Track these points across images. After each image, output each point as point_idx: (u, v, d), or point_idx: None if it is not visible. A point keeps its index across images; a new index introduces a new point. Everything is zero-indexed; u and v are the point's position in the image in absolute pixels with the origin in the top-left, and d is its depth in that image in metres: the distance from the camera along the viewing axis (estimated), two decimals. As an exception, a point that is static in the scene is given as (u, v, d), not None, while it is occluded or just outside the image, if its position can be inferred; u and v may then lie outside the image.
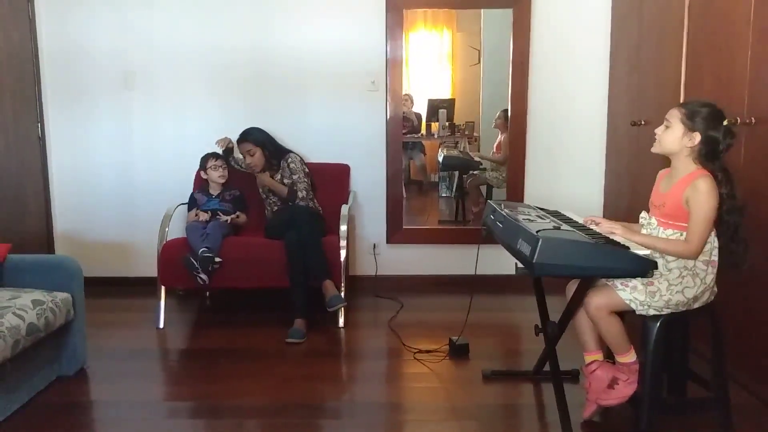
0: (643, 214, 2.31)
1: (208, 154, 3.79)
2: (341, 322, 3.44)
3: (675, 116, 2.16)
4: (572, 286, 2.34)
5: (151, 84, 4.06)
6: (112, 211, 4.16)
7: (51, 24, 4.01)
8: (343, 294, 3.41)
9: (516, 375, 2.82)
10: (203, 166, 3.77)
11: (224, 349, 3.19)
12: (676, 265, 2.16)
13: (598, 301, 2.19)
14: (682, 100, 2.95)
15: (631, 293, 2.15)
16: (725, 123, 2.14)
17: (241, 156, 3.80)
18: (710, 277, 2.16)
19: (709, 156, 2.13)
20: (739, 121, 2.53)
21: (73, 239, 4.18)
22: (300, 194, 3.66)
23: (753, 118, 2.49)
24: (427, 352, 3.08)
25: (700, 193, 2.07)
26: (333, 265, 3.41)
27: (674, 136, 2.16)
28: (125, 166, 4.13)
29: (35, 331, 2.45)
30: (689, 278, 2.14)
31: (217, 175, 3.76)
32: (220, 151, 3.81)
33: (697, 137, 2.12)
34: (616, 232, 2.18)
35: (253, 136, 3.70)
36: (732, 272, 2.20)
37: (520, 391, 2.70)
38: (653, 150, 2.25)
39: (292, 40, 4.01)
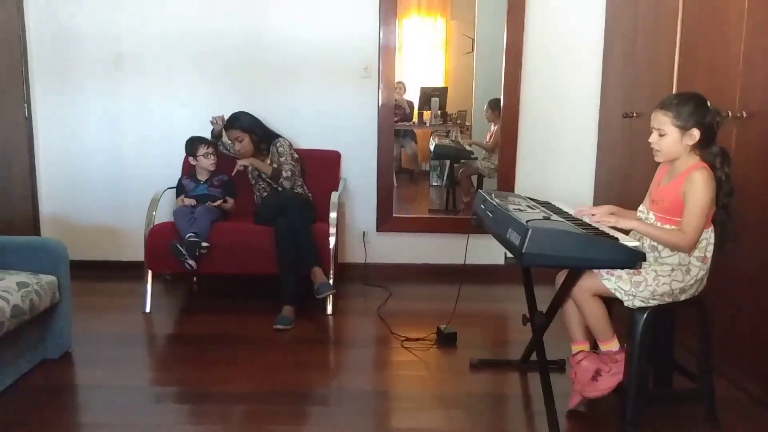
0: (641, 207, 2.30)
1: (195, 139, 3.72)
2: (329, 309, 3.44)
3: (665, 122, 2.13)
4: (561, 277, 2.34)
5: (141, 66, 4.01)
6: (99, 193, 4.12)
7: (39, 3, 3.93)
8: (331, 281, 3.40)
9: (503, 364, 2.82)
10: (193, 152, 3.71)
11: (211, 334, 3.17)
12: (671, 261, 2.17)
13: (582, 283, 2.20)
14: (674, 92, 2.94)
15: (616, 282, 2.16)
16: (709, 105, 2.13)
17: (229, 141, 3.76)
18: (702, 273, 2.17)
19: (709, 141, 2.14)
20: (730, 114, 2.53)
21: (60, 222, 4.13)
22: (285, 174, 3.62)
23: (744, 112, 2.49)
24: (415, 340, 3.08)
25: (696, 185, 2.07)
26: (322, 252, 3.39)
27: (673, 141, 2.13)
28: (114, 148, 4.09)
29: (20, 313, 2.42)
30: (680, 273, 2.15)
31: (209, 163, 3.72)
32: (213, 128, 3.77)
33: (696, 133, 2.11)
34: (611, 220, 2.17)
35: (240, 122, 3.65)
36: (722, 254, 2.20)
37: (506, 380, 2.72)
38: (659, 160, 2.22)
39: (285, 24, 3.97)
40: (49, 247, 2.77)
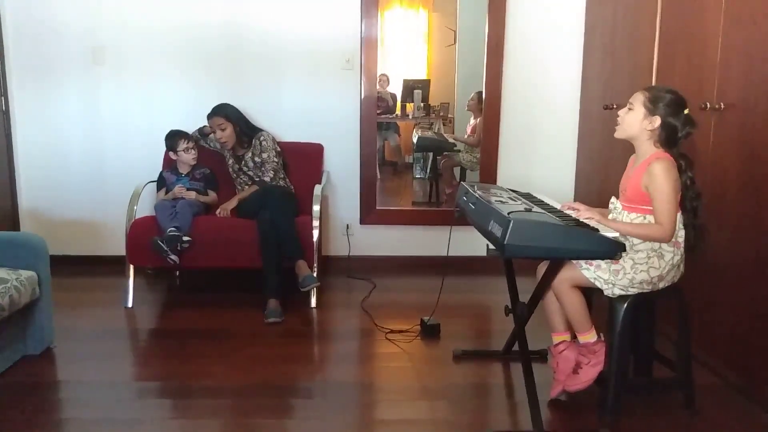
0: (613, 198, 2.34)
1: (175, 134, 3.67)
2: (314, 302, 3.44)
3: (638, 99, 2.20)
4: (542, 268, 2.37)
5: (121, 59, 3.96)
6: (79, 187, 4.07)
7: (15, -6, 3.88)
8: (315, 274, 3.40)
9: (486, 355, 2.84)
10: (173, 147, 3.67)
11: (194, 329, 3.16)
12: (643, 247, 2.20)
13: (561, 274, 2.23)
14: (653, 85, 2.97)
15: (595, 272, 2.19)
16: (686, 112, 2.18)
17: (214, 136, 3.73)
18: (677, 258, 2.20)
19: (669, 142, 2.19)
20: (708, 106, 2.57)
21: (40, 216, 4.09)
22: (267, 177, 3.62)
23: (722, 104, 2.53)
24: (399, 332, 3.09)
25: (656, 176, 2.12)
26: (306, 245, 3.38)
27: (635, 119, 2.20)
28: (94, 142, 4.04)
29: (-1, 310, 2.40)
30: (655, 259, 2.18)
31: (190, 158, 3.69)
32: (203, 128, 3.74)
33: (657, 121, 2.16)
34: (594, 217, 2.19)
35: (225, 111, 3.64)
36: (693, 256, 2.24)
37: (489, 370, 2.74)
38: (616, 135, 2.29)
39: (266, 16, 3.94)
40: (29, 242, 2.74)
